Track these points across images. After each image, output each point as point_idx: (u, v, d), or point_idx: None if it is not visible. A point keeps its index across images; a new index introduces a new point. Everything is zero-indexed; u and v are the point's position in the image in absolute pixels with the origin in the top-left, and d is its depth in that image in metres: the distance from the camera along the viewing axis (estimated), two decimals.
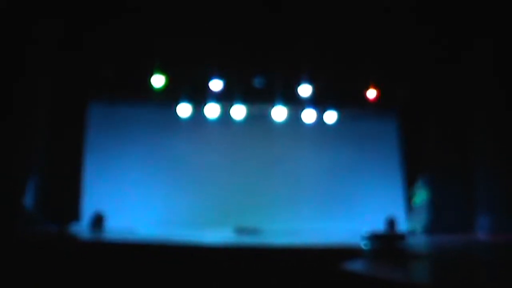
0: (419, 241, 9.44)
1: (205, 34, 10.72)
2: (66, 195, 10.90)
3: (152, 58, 10.90)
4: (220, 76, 11.25)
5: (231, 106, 11.78)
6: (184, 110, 11.77)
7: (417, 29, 10.88)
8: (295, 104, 11.81)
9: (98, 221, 10.65)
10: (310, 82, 11.45)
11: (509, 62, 10.23)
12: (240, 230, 10.78)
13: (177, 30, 10.72)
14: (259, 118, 12.19)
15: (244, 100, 11.72)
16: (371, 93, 11.57)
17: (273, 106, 11.81)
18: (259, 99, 11.82)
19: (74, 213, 10.91)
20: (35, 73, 9.94)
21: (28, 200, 9.71)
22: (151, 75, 11.00)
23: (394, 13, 10.70)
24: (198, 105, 11.79)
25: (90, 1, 10.36)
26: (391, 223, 11.02)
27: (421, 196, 11.16)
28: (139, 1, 10.56)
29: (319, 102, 11.86)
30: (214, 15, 10.59)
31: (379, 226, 10.67)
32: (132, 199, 11.65)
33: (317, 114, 12.10)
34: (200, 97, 11.61)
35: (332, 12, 10.69)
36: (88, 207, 11.00)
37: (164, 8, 10.58)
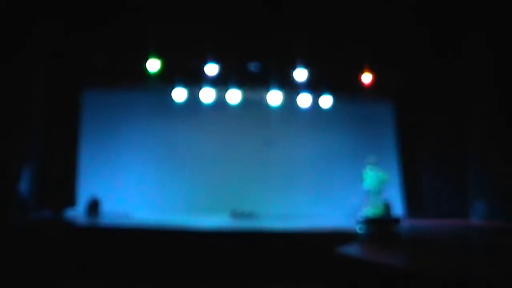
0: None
1: (201, 19, 10.64)
2: (62, 181, 10.88)
3: (147, 43, 10.81)
4: (215, 61, 11.18)
5: (226, 91, 11.74)
6: (179, 94, 11.73)
7: (414, 16, 10.84)
8: (291, 88, 11.76)
9: (94, 206, 10.66)
10: (306, 66, 11.40)
11: (504, 53, 10.25)
12: (236, 215, 10.81)
13: (172, 15, 10.64)
14: (254, 103, 12.15)
15: (239, 85, 11.67)
16: (367, 78, 11.54)
17: (268, 91, 11.77)
18: (254, 84, 11.77)
19: (70, 199, 10.91)
20: (30, 61, 9.88)
21: (24, 186, 9.70)
22: (146, 60, 10.93)
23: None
24: (194, 90, 11.74)
25: None
26: (386, 207, 11.04)
27: (373, 178, 10.88)
28: None
29: (314, 86, 11.81)
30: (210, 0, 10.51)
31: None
32: (128, 185, 11.65)
33: (313, 98, 12.06)
34: (195, 81, 11.55)
35: None
36: (84, 193, 11.00)
37: None
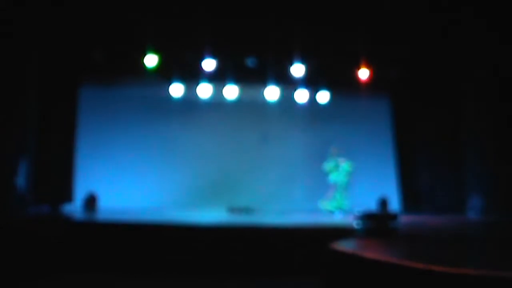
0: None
1: (198, 14, 10.61)
2: (59, 176, 10.88)
3: (144, 39, 10.78)
4: (212, 56, 11.17)
5: (223, 86, 11.73)
6: (176, 90, 11.73)
7: (411, 11, 10.82)
8: (288, 84, 11.77)
9: (91, 202, 10.64)
10: (303, 62, 11.39)
11: (503, 48, 10.23)
12: (233, 210, 10.81)
13: (170, 10, 10.61)
14: (251, 98, 12.15)
15: (236, 80, 11.67)
16: (364, 73, 11.54)
17: (265, 86, 11.77)
18: (251, 79, 11.77)
19: (67, 194, 10.91)
20: (26, 55, 9.83)
21: (21, 181, 9.68)
22: (144, 55, 10.90)
23: None
24: (191, 85, 11.73)
25: None
26: (383, 203, 11.07)
27: (337, 171, 10.80)
28: None
29: (311, 82, 11.82)
30: None
31: (371, 206, 10.73)
32: (125, 180, 11.65)
33: (310, 94, 12.07)
34: (192, 77, 11.54)
35: None
36: (81, 188, 11.00)
37: None
